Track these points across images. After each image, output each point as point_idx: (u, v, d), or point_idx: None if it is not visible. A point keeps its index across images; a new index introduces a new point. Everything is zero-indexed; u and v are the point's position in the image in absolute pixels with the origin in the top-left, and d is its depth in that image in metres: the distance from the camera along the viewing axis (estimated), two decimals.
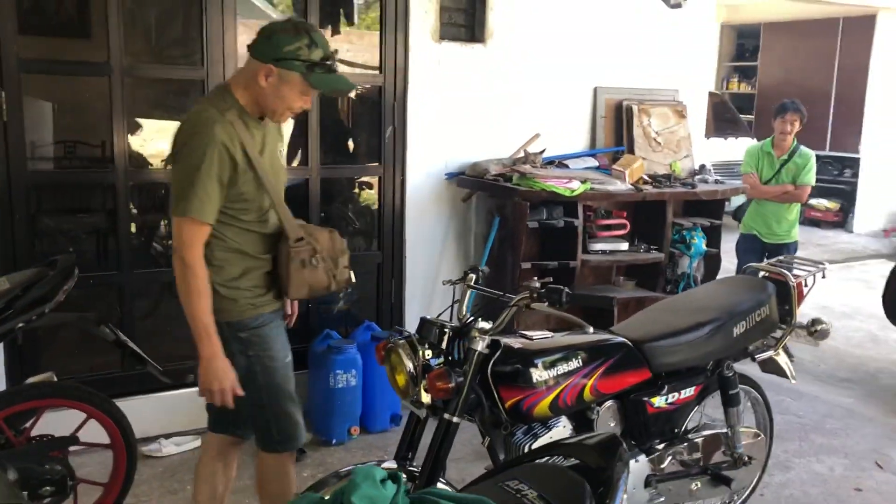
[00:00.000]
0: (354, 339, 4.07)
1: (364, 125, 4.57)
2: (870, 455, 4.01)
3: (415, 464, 2.46)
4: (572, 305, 2.28)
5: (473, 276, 2.63)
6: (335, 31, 4.51)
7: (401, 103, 4.28)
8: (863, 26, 10.52)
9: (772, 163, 5.43)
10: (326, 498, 1.58)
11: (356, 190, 5.09)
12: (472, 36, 4.48)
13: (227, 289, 2.45)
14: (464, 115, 4.46)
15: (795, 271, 3.16)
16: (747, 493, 3.28)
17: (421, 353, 2.34)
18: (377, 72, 4.25)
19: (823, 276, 3.22)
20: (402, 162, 4.34)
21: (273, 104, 2.40)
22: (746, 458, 2.99)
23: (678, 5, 4.32)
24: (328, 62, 2.37)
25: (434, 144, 4.39)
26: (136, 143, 4.18)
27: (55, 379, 2.87)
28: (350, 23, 4.92)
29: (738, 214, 5.71)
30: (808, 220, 11.46)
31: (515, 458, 1.95)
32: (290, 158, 4.28)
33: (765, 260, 5.40)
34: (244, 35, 3.80)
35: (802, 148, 5.40)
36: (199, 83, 3.82)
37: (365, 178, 4.85)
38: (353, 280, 2.73)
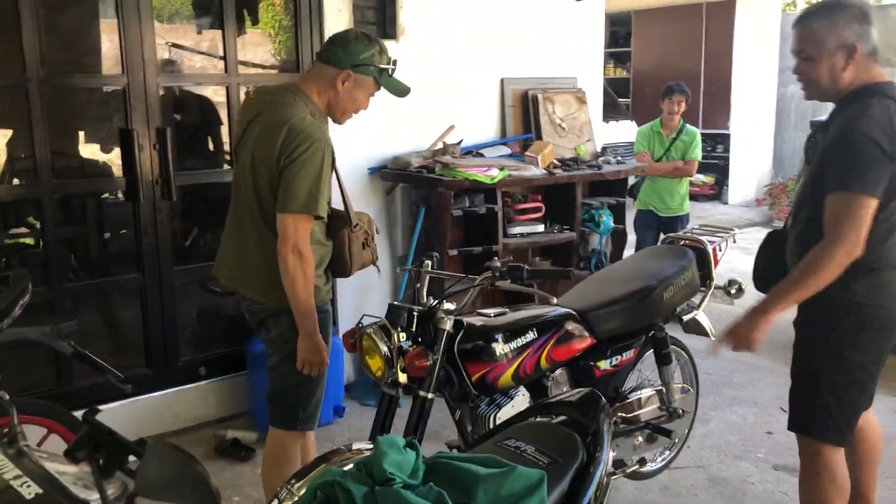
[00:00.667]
0: None
1: None
2: (775, 402, 4.43)
3: None
4: (532, 280, 2.48)
5: (430, 263, 2.78)
6: (241, 32, 4.51)
7: None
8: (724, 11, 11.28)
9: (662, 141, 5.88)
10: (347, 469, 1.70)
11: None
12: (384, 33, 4.58)
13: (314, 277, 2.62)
14: (381, 110, 4.53)
15: (710, 238, 3.48)
16: (681, 444, 3.58)
17: (395, 336, 2.46)
18: (295, 71, 4.29)
19: (734, 241, 3.56)
20: None
21: (344, 106, 2.71)
22: (680, 412, 3.28)
23: None
24: (392, 67, 2.73)
25: (355, 140, 4.47)
26: (60, 153, 4.06)
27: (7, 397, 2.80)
28: (255, 23, 4.92)
29: (633, 192, 6.14)
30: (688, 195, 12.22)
31: (502, 423, 2.12)
32: (219, 160, 4.28)
33: (660, 233, 5.86)
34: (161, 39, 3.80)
35: (688, 126, 5.86)
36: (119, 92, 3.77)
37: None
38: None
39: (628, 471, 3.13)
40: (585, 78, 5.52)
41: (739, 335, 2.50)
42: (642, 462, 3.07)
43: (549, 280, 4.27)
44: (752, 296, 6.33)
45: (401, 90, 2.84)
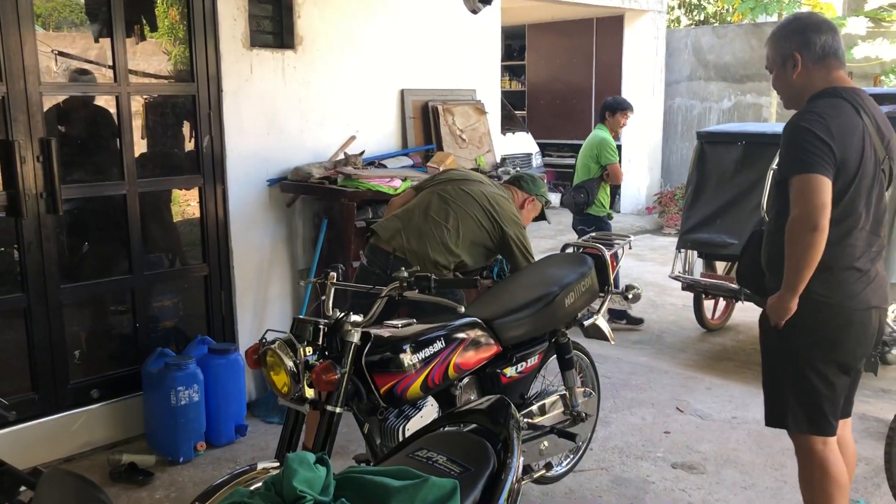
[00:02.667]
0: (190, 354, 4.00)
1: (182, 136, 4.46)
2: (671, 402, 4.60)
3: None
4: (440, 289, 2.48)
5: (335, 275, 2.74)
6: (140, 40, 4.35)
7: (216, 112, 4.24)
8: (613, 26, 11.68)
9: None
10: (255, 489, 1.66)
11: (183, 203, 4.93)
12: (281, 42, 4.52)
13: None
14: (280, 120, 4.50)
15: (608, 245, 3.58)
16: (585, 446, 3.67)
17: (301, 350, 2.42)
18: (190, 81, 4.18)
19: (630, 248, 3.68)
20: (222, 171, 4.30)
21: None
22: (584, 415, 3.35)
23: (475, 11, 4.66)
24: None
25: (253, 152, 4.39)
26: None
27: None
28: (166, 32, 4.75)
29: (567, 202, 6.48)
30: None
31: (413, 434, 2.11)
32: (110, 172, 4.08)
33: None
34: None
35: None
36: None
37: (192, 190, 4.72)
38: None
39: (535, 476, 3.16)
40: (484, 90, 5.61)
41: (771, 319, 2.66)
42: (548, 467, 3.11)
43: (456, 290, 4.29)
44: (646, 301, 6.54)
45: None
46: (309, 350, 2.44)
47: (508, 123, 11.64)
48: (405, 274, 2.51)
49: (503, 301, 3.12)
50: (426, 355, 2.66)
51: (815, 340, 2.64)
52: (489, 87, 5.71)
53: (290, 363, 2.40)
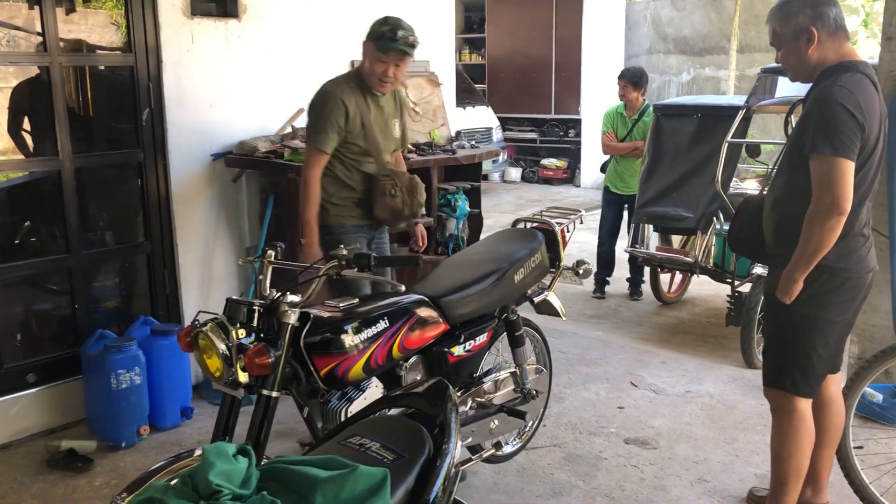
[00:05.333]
0: (132, 335, 3.86)
1: (119, 109, 4.27)
2: (626, 377, 4.58)
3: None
4: (380, 267, 2.38)
5: (273, 253, 2.63)
6: (70, 10, 4.14)
7: (156, 83, 4.06)
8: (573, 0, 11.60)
9: (625, 122, 6.14)
10: (174, 483, 1.56)
11: (122, 178, 4.74)
12: (224, 11, 4.34)
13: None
14: (224, 93, 4.34)
15: (558, 219, 3.51)
16: (536, 423, 3.62)
17: (234, 333, 2.31)
18: (127, 52, 3.99)
19: (581, 222, 3.62)
20: (163, 146, 4.14)
21: (367, 73, 3.49)
22: (534, 393, 3.30)
23: None
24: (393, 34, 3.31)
25: (196, 125, 4.23)
26: None
27: None
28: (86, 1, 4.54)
29: (604, 169, 6.44)
30: (542, 179, 12.54)
31: (350, 418, 2.02)
32: (40, 148, 3.90)
33: (623, 211, 6.10)
34: None
35: (650, 107, 6.01)
36: None
37: (132, 165, 4.55)
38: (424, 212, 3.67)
39: (485, 455, 3.08)
40: (438, 62, 5.48)
41: (781, 294, 2.72)
42: (498, 446, 3.06)
43: (401, 267, 4.21)
44: (571, 282, 6.50)
45: (385, 48, 3.36)
46: (242, 332, 2.33)
47: (468, 97, 11.52)
48: (344, 252, 2.41)
49: (451, 278, 3.04)
50: (369, 335, 2.57)
51: (826, 304, 2.72)
52: (443, 59, 5.58)
53: (222, 346, 2.29)
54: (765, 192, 2.96)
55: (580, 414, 4.10)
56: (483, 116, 11.43)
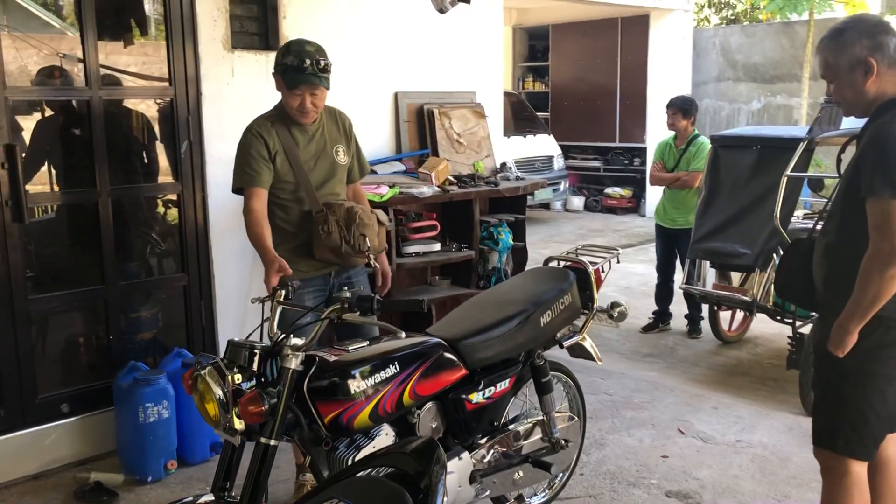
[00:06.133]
0: (163, 368, 3.84)
1: (159, 141, 4.31)
2: (673, 423, 4.33)
3: (234, 494, 2.35)
4: (385, 312, 2.27)
5: (283, 292, 2.55)
6: (128, 43, 4.21)
7: (195, 116, 4.08)
8: (638, 26, 11.37)
9: (673, 153, 5.99)
10: None
11: (160, 210, 4.80)
12: (266, 44, 4.36)
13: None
14: None
15: (592, 258, 3.34)
16: (568, 474, 3.43)
17: (230, 378, 2.23)
18: (166, 84, 4.02)
19: (618, 262, 3.43)
20: (202, 177, 4.15)
21: (287, 106, 3.21)
22: (563, 442, 3.11)
23: (443, 11, 4.43)
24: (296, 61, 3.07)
25: (234, 157, 4.21)
26: None
27: None
28: (144, 33, 4.62)
29: None
30: (605, 208, 12.28)
31: (334, 475, 1.91)
32: (77, 180, 3.95)
33: (672, 247, 5.95)
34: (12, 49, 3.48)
35: (700, 137, 5.90)
36: None
37: (170, 197, 4.59)
38: (370, 246, 3.25)
39: None
40: (484, 92, 5.39)
41: (833, 347, 2.52)
42: (520, 499, 2.89)
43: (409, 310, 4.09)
44: (633, 318, 6.25)
45: (293, 83, 3.11)
46: (239, 377, 2.25)
47: (530, 125, 11.42)
48: (347, 294, 2.31)
49: (471, 320, 2.90)
50: (377, 381, 2.45)
51: (884, 358, 2.51)
52: (490, 89, 5.49)
53: (218, 391, 2.22)
54: (815, 235, 2.75)
55: (621, 462, 3.88)
56: (544, 145, 11.28)
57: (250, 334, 2.50)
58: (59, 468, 3.81)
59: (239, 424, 2.23)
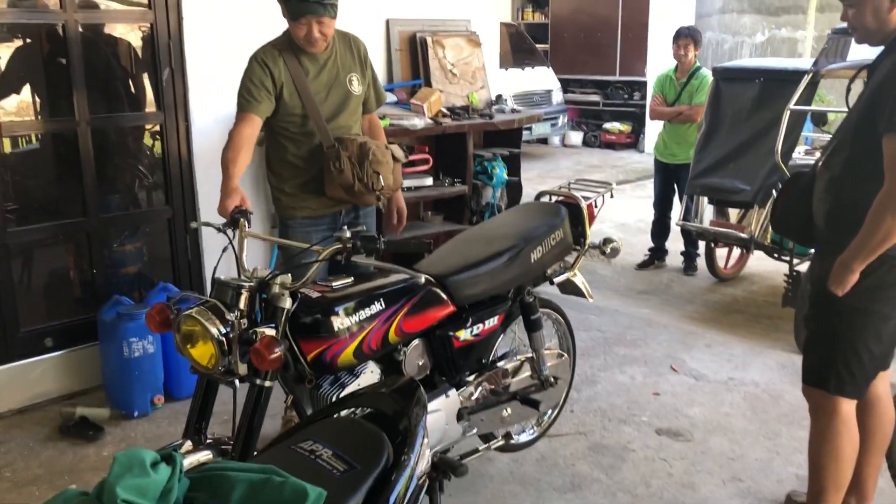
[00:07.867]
0: (149, 302, 3.77)
1: (139, 69, 4.15)
2: (665, 360, 4.29)
3: (209, 433, 2.30)
4: (389, 252, 2.19)
5: (245, 222, 2.47)
6: None
7: (176, 42, 3.92)
8: None
9: (673, 86, 5.77)
10: (89, 492, 1.40)
11: (143, 140, 4.66)
12: None
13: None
14: (250, 51, 4.15)
15: (585, 193, 3.24)
16: (557, 411, 3.39)
17: (235, 319, 2.13)
18: (146, 8, 3.84)
19: (612, 196, 3.33)
20: (185, 106, 4.00)
21: (294, 36, 3.02)
22: (553, 380, 3.07)
23: None
24: None
25: (219, 85, 4.06)
26: None
27: None
28: None
29: None
30: (604, 143, 12.09)
31: (313, 413, 1.85)
32: (55, 108, 3.81)
33: (671, 182, 5.76)
34: None
35: (701, 70, 5.70)
36: None
37: (153, 127, 4.45)
38: (384, 185, 3.10)
39: (494, 446, 2.91)
40: (480, 20, 5.19)
41: (833, 286, 2.44)
42: (508, 436, 2.85)
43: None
44: (629, 254, 6.15)
45: (297, 13, 2.92)
46: (244, 321, 2.15)
47: (528, 58, 11.13)
48: (348, 234, 2.20)
49: (459, 256, 2.81)
50: (362, 318, 2.38)
51: (884, 298, 2.45)
52: (487, 18, 5.28)
53: (216, 332, 2.12)
54: (817, 169, 2.64)
55: (612, 399, 3.85)
56: (543, 78, 11.03)
57: (216, 266, 2.41)
58: (45, 402, 3.77)
59: (243, 369, 2.15)
